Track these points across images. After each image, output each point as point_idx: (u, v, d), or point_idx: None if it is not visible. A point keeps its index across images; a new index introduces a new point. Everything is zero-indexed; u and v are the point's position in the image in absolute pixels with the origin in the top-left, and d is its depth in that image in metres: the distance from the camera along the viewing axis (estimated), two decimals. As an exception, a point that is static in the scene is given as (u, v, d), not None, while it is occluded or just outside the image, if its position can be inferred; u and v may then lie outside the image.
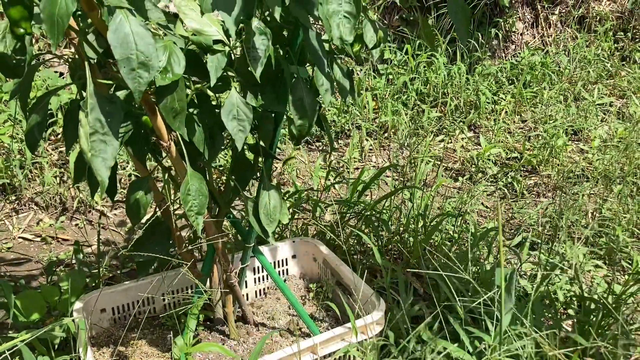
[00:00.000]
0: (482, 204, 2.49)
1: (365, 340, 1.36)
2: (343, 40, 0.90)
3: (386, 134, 3.17)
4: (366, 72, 3.42)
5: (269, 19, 1.05)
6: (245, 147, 1.25)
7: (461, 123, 3.25)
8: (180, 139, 0.99)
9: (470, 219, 2.08)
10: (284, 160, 2.13)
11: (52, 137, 2.82)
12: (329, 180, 2.52)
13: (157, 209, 1.27)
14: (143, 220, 1.51)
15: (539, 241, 1.83)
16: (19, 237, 2.28)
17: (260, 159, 1.24)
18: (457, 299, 1.57)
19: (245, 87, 1.02)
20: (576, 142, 3.15)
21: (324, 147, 3.06)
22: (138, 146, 1.09)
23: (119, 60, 0.74)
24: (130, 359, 1.43)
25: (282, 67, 1.03)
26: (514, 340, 1.17)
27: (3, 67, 0.91)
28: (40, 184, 2.49)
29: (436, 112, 3.34)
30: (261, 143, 1.22)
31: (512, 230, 2.23)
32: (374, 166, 2.92)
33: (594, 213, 2.28)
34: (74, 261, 2.07)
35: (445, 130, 3.24)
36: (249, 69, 0.94)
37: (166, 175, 1.27)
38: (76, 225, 2.36)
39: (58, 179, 2.55)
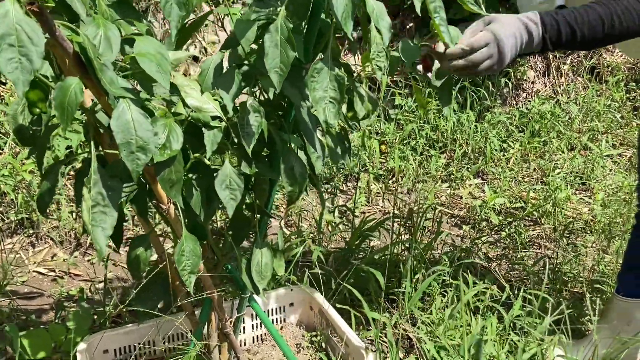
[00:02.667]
0: (484, 253, 2.53)
1: (352, 393, 1.42)
2: (328, 124, 0.98)
3: (393, 178, 3.24)
4: (376, 117, 3.51)
5: (264, 96, 1.14)
6: (242, 206, 1.33)
7: (468, 170, 3.31)
8: (178, 204, 1.07)
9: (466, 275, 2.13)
10: (287, 209, 2.21)
11: (72, 172, 2.95)
12: (334, 224, 2.59)
13: (159, 261, 1.35)
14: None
15: (532, 298, 1.88)
16: (34, 271, 2.38)
17: (255, 217, 1.32)
18: (445, 354, 1.63)
19: (240, 157, 1.11)
20: (583, 192, 3.18)
21: (332, 190, 3.14)
22: (141, 205, 1.17)
23: (120, 144, 0.83)
24: (128, 401, 1.50)
25: (275, 139, 1.12)
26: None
27: (21, 137, 1.01)
28: (57, 219, 2.60)
29: (444, 158, 3.41)
30: (257, 202, 1.30)
31: (510, 281, 2.27)
32: (380, 210, 2.99)
33: (593, 267, 2.31)
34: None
35: (452, 176, 3.30)
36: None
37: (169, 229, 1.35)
38: (88, 260, 2.46)
39: (74, 214, 2.66)
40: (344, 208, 2.85)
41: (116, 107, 0.83)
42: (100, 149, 1.04)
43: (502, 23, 1.28)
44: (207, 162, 1.10)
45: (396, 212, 2.95)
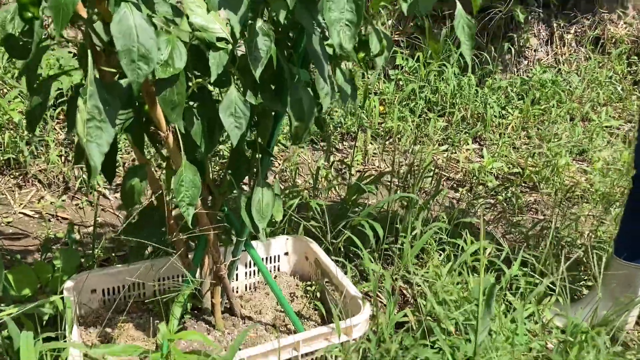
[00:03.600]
0: (481, 216, 2.50)
1: (348, 341, 1.38)
2: (342, 48, 0.91)
3: (391, 140, 3.19)
4: (376, 76, 3.43)
5: (275, 19, 1.07)
6: (243, 143, 1.27)
7: (466, 134, 3.26)
8: (177, 131, 1.01)
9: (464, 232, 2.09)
10: (285, 158, 2.15)
11: (61, 116, 2.86)
12: (329, 179, 2.54)
13: (153, 196, 1.29)
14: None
15: (532, 259, 1.84)
16: (20, 213, 2.32)
17: (257, 156, 1.26)
18: (442, 308, 1.59)
19: (246, 85, 1.04)
20: (580, 163, 3.15)
21: (328, 148, 3.08)
22: (137, 134, 1.11)
23: (120, 52, 0.77)
24: (116, 341, 1.45)
25: (283, 68, 1.05)
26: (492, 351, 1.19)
27: (11, 48, 0.93)
28: (45, 162, 2.52)
29: (443, 121, 3.35)
30: (259, 140, 1.24)
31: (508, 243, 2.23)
32: (376, 170, 2.94)
33: (590, 234, 2.29)
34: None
35: (450, 140, 3.25)
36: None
37: (164, 163, 1.29)
38: (77, 205, 2.39)
39: (63, 158, 2.58)
40: (341, 165, 2.79)
41: (117, 11, 0.76)
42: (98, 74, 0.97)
43: None
44: (211, 89, 1.03)
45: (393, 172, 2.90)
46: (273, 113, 1.22)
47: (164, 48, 0.88)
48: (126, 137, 1.33)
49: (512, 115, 3.47)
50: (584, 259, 2.15)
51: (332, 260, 1.86)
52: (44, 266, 1.58)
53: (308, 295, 1.68)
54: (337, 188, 2.59)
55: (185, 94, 0.93)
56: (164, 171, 1.31)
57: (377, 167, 3.00)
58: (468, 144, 3.19)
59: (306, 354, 1.35)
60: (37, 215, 2.31)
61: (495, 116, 3.41)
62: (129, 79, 0.78)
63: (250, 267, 1.70)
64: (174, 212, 1.26)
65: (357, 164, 2.93)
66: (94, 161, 0.80)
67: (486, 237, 2.06)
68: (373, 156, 3.03)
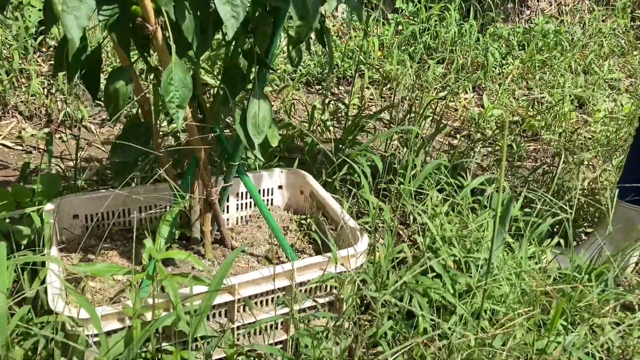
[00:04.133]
0: (478, 164, 2.42)
1: (345, 272, 1.31)
2: None
3: (389, 85, 3.08)
4: (375, 18, 3.31)
5: None
6: (239, 52, 1.17)
7: (466, 82, 3.16)
8: (167, 23, 0.90)
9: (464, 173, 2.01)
10: (279, 89, 2.04)
11: (44, 49, 2.72)
12: (325, 121, 2.45)
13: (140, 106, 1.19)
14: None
15: (535, 197, 1.78)
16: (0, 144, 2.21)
17: (253, 68, 1.16)
18: (441, 244, 1.52)
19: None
20: (582, 114, 3.07)
21: (324, 91, 2.97)
22: (122, 32, 1.00)
23: None
24: (98, 268, 1.37)
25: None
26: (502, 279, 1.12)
27: None
28: (26, 93, 2.40)
29: (442, 68, 3.24)
30: (256, 49, 1.13)
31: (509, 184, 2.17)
32: (371, 114, 2.84)
33: (591, 182, 2.22)
34: (53, 172, 2.00)
35: (448, 87, 3.15)
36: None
37: (151, 75, 1.19)
38: (60, 138, 2.28)
39: (45, 90, 2.46)
40: (336, 108, 2.69)
41: None
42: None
43: None
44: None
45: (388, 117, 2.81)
46: (272, 20, 1.12)
47: None
48: (110, 39, 1.22)
49: (513, 64, 3.37)
50: (584, 204, 2.09)
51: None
52: (22, 190, 1.49)
53: (302, 229, 1.60)
54: (332, 131, 2.50)
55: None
56: (150, 80, 1.21)
57: (374, 112, 2.90)
58: (467, 92, 3.10)
59: (300, 284, 1.28)
60: (18, 147, 2.20)
61: (495, 65, 3.31)
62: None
63: (242, 199, 1.62)
64: (161, 129, 1.16)
65: (354, 108, 2.83)
66: (72, 34, 0.70)
67: (486, 179, 1.99)
68: (370, 101, 2.93)
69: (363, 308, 1.44)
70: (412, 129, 1.80)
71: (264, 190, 1.66)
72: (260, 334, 1.28)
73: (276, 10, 1.06)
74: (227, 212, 1.61)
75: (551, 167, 2.25)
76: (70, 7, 0.70)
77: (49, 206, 1.36)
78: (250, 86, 1.19)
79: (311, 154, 1.98)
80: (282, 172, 1.67)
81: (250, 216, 1.65)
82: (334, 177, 1.85)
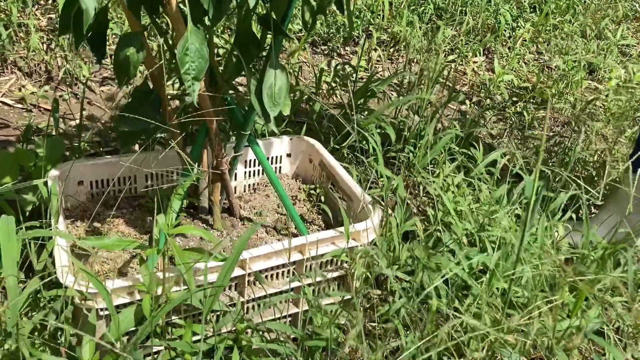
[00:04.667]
0: (488, 131, 2.38)
1: (357, 246, 1.28)
2: None
3: (397, 46, 3.01)
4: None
5: None
6: (253, 18, 1.11)
7: (476, 45, 3.09)
8: (183, -11, 0.85)
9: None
10: (289, 53, 1.97)
11: (42, 1, 2.63)
12: (332, 84, 2.38)
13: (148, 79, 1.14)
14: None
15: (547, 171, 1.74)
16: (-1, 101, 2.15)
17: (269, 35, 1.11)
18: (454, 218, 1.50)
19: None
20: (591, 81, 3.01)
21: (330, 52, 2.90)
22: (133, -3, 0.94)
23: None
24: (106, 236, 1.34)
25: None
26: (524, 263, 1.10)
27: None
28: (25, 48, 2.32)
29: (451, 30, 3.16)
30: (272, 16, 1.08)
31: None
32: (380, 79, 2.78)
33: (603, 153, 2.19)
34: (53, 133, 1.95)
35: (457, 50, 3.07)
36: None
37: (161, 40, 1.13)
38: (60, 96, 2.22)
39: (45, 45, 2.38)
40: (343, 71, 2.62)
41: None
42: None
43: None
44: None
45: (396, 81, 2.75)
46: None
47: None
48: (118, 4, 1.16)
49: (524, 27, 3.28)
50: (595, 177, 2.06)
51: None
52: (25, 153, 1.44)
53: (311, 200, 1.57)
54: (339, 95, 2.44)
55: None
56: (160, 44, 1.15)
57: (381, 75, 2.84)
58: (476, 56, 3.02)
59: (312, 257, 1.25)
60: (18, 105, 2.15)
61: (506, 27, 3.22)
62: None
63: (250, 166, 1.58)
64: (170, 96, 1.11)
65: (361, 71, 2.76)
66: (87, 4, 0.65)
67: (497, 151, 1.95)
68: (377, 63, 2.86)
69: (375, 283, 1.42)
70: (425, 97, 1.75)
71: (272, 158, 1.62)
72: (270, 307, 1.26)
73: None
74: (235, 179, 1.57)
75: (562, 138, 2.20)
76: (83, -25, 0.64)
77: (53, 172, 1.32)
78: (264, 53, 1.14)
79: (319, 119, 1.93)
80: (290, 139, 1.62)
81: (258, 184, 1.62)
82: (343, 145, 1.81)
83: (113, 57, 1.00)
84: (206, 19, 0.92)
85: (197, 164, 1.32)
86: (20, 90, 2.21)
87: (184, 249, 1.05)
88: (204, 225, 1.41)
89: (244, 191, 1.61)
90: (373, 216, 1.32)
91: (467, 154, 1.84)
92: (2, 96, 2.17)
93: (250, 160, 1.57)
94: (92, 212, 1.40)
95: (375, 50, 2.91)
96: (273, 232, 1.44)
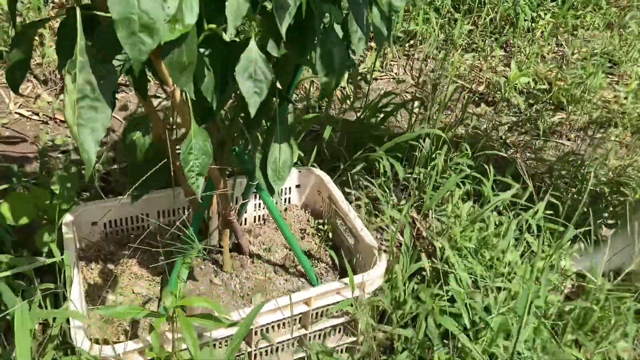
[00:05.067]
0: (502, 138, 2.36)
1: (362, 296, 1.31)
2: (392, 6, 0.74)
3: (412, 42, 2.96)
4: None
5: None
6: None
7: (494, 40, 3.03)
8: (187, 97, 0.86)
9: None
10: (299, 120, 1.94)
11: (56, 0, 2.63)
12: (345, 94, 2.37)
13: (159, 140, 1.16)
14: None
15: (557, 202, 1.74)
16: (15, 112, 2.18)
17: (274, 100, 1.11)
18: (458, 257, 1.51)
19: (267, 36, 0.87)
20: (611, 76, 2.95)
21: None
22: (140, 80, 0.95)
23: (117, 21, 0.60)
24: (119, 279, 1.39)
25: (313, 13, 0.87)
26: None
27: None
28: (41, 56, 2.34)
29: (469, 24, 3.10)
30: (277, 85, 1.08)
31: (532, 176, 2.12)
32: (394, 78, 2.75)
33: (618, 167, 2.16)
34: (70, 147, 1.98)
35: (475, 45, 3.02)
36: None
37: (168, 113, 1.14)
38: (75, 106, 2.24)
39: (59, 51, 2.39)
40: (358, 74, 2.60)
41: (112, -32, 0.59)
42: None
43: None
44: (226, 38, 0.87)
45: (412, 81, 2.72)
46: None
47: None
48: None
49: (544, 19, 3.21)
50: (608, 195, 2.05)
51: (346, 193, 1.76)
52: (41, 193, 1.48)
53: (319, 234, 1.59)
54: (352, 101, 2.43)
55: (196, 51, 0.77)
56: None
57: (396, 73, 2.81)
58: (494, 51, 2.96)
59: (317, 308, 1.29)
60: (34, 117, 2.18)
61: (525, 20, 3.15)
62: (128, 55, 0.62)
63: (258, 199, 1.60)
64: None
65: (374, 70, 2.73)
66: (88, 152, 0.67)
67: (509, 169, 1.95)
68: (392, 62, 2.83)
69: (379, 321, 1.45)
70: (437, 132, 1.74)
71: (282, 189, 1.64)
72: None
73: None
74: (245, 212, 1.59)
75: (575, 152, 2.18)
76: (86, 120, 0.65)
77: (67, 218, 1.36)
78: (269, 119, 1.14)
79: (330, 140, 1.92)
80: (299, 171, 1.64)
81: (267, 215, 1.64)
82: (354, 170, 1.82)
83: (122, 136, 1.02)
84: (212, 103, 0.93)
85: (206, 211, 1.35)
86: (35, 100, 2.23)
87: (191, 315, 1.08)
88: (214, 266, 1.44)
89: (254, 222, 1.63)
90: (379, 264, 1.34)
91: (477, 178, 1.84)
92: (19, 107, 2.20)
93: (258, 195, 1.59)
94: (106, 252, 1.45)
95: (390, 46, 2.87)
96: (282, 271, 1.47)
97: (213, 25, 0.87)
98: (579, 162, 2.10)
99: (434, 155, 1.87)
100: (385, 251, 1.38)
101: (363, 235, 1.42)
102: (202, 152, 0.88)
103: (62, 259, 1.09)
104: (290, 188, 1.65)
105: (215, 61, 0.91)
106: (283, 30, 0.77)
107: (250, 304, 1.37)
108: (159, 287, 1.38)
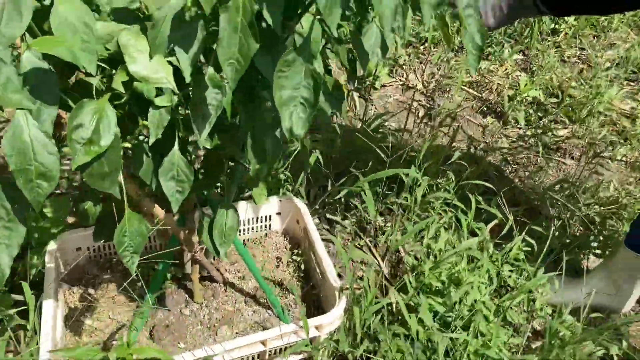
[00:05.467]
0: (504, 155, 2.35)
1: (319, 336, 1.38)
2: (293, 134, 0.78)
3: (425, 45, 2.93)
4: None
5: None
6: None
7: (510, 45, 2.98)
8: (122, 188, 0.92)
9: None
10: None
11: None
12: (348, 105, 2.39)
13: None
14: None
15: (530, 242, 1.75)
16: None
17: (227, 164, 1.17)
18: (425, 296, 1.56)
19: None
20: (632, 85, 2.86)
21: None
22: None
23: (15, 171, 0.67)
24: (97, 304, 1.49)
25: (240, 113, 0.92)
26: None
27: None
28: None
29: (487, 25, 3.03)
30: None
31: (514, 197, 2.12)
32: (402, 84, 2.75)
33: (612, 196, 2.14)
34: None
35: (491, 48, 2.97)
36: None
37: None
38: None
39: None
40: (363, 80, 2.61)
41: (12, 122, 0.65)
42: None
43: None
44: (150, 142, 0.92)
45: (422, 88, 2.72)
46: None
47: (89, 121, 0.77)
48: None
49: (567, 23, 3.12)
50: (599, 224, 2.04)
51: (327, 218, 1.81)
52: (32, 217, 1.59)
53: (294, 264, 1.66)
54: (357, 107, 2.46)
55: (120, 159, 0.83)
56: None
57: (407, 78, 2.80)
58: (509, 54, 2.90)
59: (275, 347, 1.36)
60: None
61: (545, 22, 3.07)
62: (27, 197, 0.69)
63: (241, 225, 1.67)
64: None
65: (383, 75, 2.73)
66: (2, 268, 0.74)
67: (494, 201, 1.96)
68: (402, 66, 2.82)
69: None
70: (411, 174, 1.76)
71: (262, 217, 1.70)
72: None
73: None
74: (225, 237, 1.67)
75: (575, 173, 2.15)
76: (1, 237, 0.73)
77: (51, 246, 1.47)
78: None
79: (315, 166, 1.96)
80: (280, 200, 1.70)
81: (248, 240, 1.72)
82: (339, 196, 1.86)
83: (74, 205, 1.10)
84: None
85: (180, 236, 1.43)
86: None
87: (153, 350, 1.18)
88: (187, 295, 1.53)
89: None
90: (337, 307, 1.40)
91: (462, 207, 1.86)
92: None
93: (241, 220, 1.66)
94: (88, 276, 1.55)
95: (401, 49, 2.86)
96: (252, 302, 1.55)
97: (146, 122, 0.93)
98: (572, 188, 2.09)
99: (419, 184, 1.90)
100: (345, 294, 1.44)
101: (328, 273, 1.48)
102: (137, 234, 0.94)
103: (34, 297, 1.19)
104: (270, 215, 1.72)
105: (154, 147, 0.96)
106: (202, 138, 0.82)
107: (217, 336, 1.46)
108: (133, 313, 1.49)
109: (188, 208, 1.24)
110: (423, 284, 1.59)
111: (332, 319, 1.38)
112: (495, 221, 1.78)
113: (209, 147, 0.95)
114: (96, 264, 1.58)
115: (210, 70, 0.85)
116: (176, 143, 0.89)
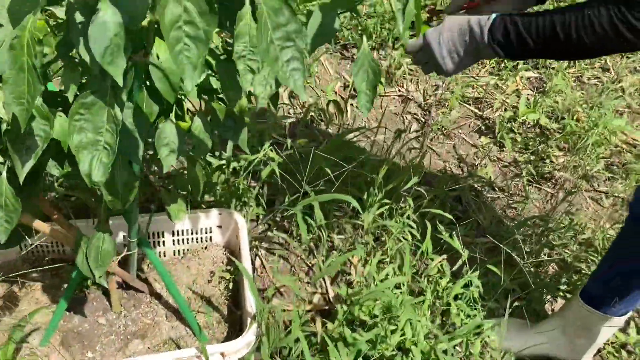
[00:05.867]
0: (489, 180, 2.24)
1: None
2: (93, 182, 0.74)
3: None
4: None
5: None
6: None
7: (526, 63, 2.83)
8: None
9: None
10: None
11: None
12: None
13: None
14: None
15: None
16: None
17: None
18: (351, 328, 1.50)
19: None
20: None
21: (353, 57, 2.79)
22: None
23: None
24: (20, 302, 1.50)
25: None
26: None
27: None
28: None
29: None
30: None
31: (491, 226, 2.02)
32: (400, 95, 2.66)
33: (589, 239, 2.00)
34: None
35: (504, 63, 2.83)
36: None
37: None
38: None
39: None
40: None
41: None
42: None
43: (444, 27, 1.20)
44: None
45: (422, 100, 2.62)
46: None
47: None
48: None
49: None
50: (570, 266, 1.92)
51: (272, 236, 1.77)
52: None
53: (225, 281, 1.62)
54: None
55: None
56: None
57: (407, 89, 2.70)
58: (518, 71, 2.75)
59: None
60: None
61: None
62: None
63: (178, 235, 1.65)
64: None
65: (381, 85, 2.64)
66: None
67: (461, 229, 1.87)
68: (402, 78, 2.71)
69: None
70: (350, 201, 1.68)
71: (202, 229, 1.67)
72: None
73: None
74: (164, 245, 1.65)
75: (543, 229, 2.01)
76: None
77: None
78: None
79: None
80: (220, 214, 1.66)
81: (187, 250, 1.69)
82: (286, 213, 1.81)
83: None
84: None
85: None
86: None
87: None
88: (107, 303, 1.52)
89: (174, 255, 1.69)
90: (246, 334, 1.36)
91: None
92: None
93: (178, 230, 1.64)
94: (20, 271, 1.56)
95: (405, 58, 2.76)
96: (173, 316, 1.53)
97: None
98: (545, 226, 1.97)
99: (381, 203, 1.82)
100: (256, 324, 1.39)
101: (246, 298, 1.44)
102: None
103: None
104: (211, 228, 1.69)
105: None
106: (22, 176, 0.79)
107: (127, 349, 1.45)
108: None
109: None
110: (352, 316, 1.53)
111: (238, 347, 1.35)
112: (449, 254, 1.70)
113: (57, 174, 0.92)
114: (29, 263, 1.59)
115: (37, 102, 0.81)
116: (4, 172, 0.87)
